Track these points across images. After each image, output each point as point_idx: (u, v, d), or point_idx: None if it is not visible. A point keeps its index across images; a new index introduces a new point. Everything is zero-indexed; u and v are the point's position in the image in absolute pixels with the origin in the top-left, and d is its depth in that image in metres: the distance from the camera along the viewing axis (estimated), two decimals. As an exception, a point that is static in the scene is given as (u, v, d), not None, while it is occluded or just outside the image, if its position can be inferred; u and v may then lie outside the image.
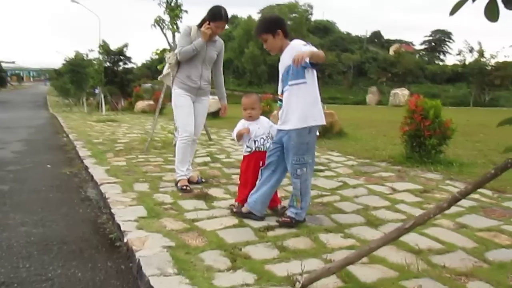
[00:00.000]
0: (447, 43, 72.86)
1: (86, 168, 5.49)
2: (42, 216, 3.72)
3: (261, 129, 3.54)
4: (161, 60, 7.45)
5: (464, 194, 1.88)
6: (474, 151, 6.82)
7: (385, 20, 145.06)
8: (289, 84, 3.17)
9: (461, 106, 32.64)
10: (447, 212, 2.68)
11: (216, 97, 4.87)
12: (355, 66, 56.15)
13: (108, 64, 26.53)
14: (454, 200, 1.90)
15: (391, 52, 65.04)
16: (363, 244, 2.83)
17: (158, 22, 7.26)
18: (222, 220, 3.30)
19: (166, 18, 7.33)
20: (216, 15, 4.13)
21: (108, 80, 23.88)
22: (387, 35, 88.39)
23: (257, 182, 3.38)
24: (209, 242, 2.82)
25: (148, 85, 41.99)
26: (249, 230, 3.09)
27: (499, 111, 26.62)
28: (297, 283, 2.18)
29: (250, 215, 3.31)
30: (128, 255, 2.80)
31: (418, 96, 5.68)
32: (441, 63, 63.44)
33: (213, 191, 4.17)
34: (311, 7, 49.51)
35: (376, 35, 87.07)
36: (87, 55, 22.66)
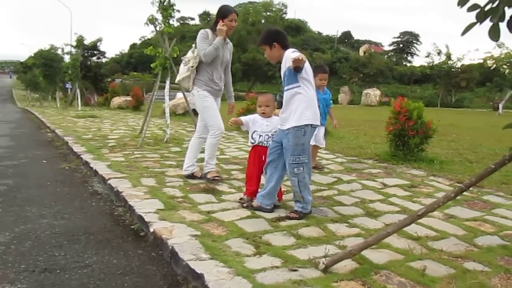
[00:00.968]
0: (415, 44, 75.04)
1: (86, 163, 5.63)
2: (58, 209, 3.88)
3: (269, 126, 3.81)
4: (151, 59, 7.63)
5: (468, 186, 2.23)
6: (450, 150, 7.32)
7: (355, 20, 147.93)
8: (284, 89, 3.50)
9: (428, 107, 33.82)
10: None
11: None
12: (326, 65, 57.09)
13: (81, 58, 26.08)
14: (460, 191, 2.25)
15: (361, 52, 66.43)
16: (367, 232, 3.17)
17: (152, 21, 7.41)
18: (235, 212, 3.57)
19: (159, 17, 7.49)
20: (225, 10, 4.46)
21: (82, 75, 23.56)
22: (357, 35, 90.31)
23: (263, 178, 3.69)
24: (230, 231, 3.08)
25: (118, 80, 41.47)
26: (263, 220, 3.37)
27: (464, 111, 27.88)
28: (320, 264, 2.47)
29: (260, 208, 3.59)
30: (156, 243, 3.03)
31: (402, 98, 6.09)
32: (408, 64, 65.24)
33: (219, 186, 4.42)
34: (285, 6, 49.85)
35: (346, 35, 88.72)
36: (62, 49, 22.26)
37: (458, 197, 4.14)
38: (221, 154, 6.49)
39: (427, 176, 5.13)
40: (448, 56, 38.41)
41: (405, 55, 75.70)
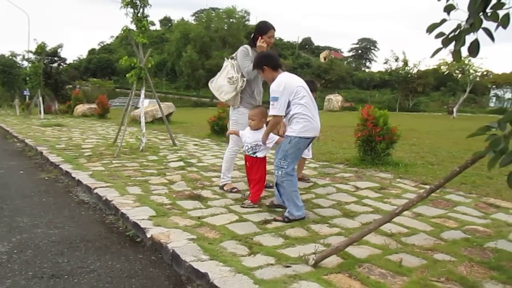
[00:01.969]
0: (373, 51, 77.68)
1: (67, 173, 5.69)
2: (49, 219, 3.99)
3: (251, 138, 4.15)
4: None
5: (438, 186, 2.59)
6: (412, 154, 7.83)
7: (315, 27, 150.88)
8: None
9: (388, 111, 35.12)
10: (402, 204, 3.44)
11: (167, 103, 5.31)
12: (288, 71, 58.07)
13: (43, 65, 25.47)
14: (431, 191, 2.60)
15: (322, 58, 68.02)
16: (347, 231, 3.49)
17: (126, 31, 7.53)
18: (224, 216, 3.81)
19: (133, 27, 7.62)
20: (265, 27, 4.59)
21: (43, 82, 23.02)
22: (317, 41, 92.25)
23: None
24: (223, 234, 3.33)
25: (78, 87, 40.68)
26: (251, 224, 3.63)
27: (422, 115, 29.16)
28: (311, 260, 2.76)
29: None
30: (154, 248, 3.23)
31: (369, 106, 6.52)
32: (367, 70, 67.37)
33: (203, 193, 4.64)
34: (247, 13, 50.47)
35: (307, 41, 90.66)
36: (23, 56, 21.70)
37: (424, 197, 4.60)
38: (198, 162, 6.69)
39: (394, 179, 5.55)
40: (405, 63, 40.08)
41: (364, 61, 78.19)
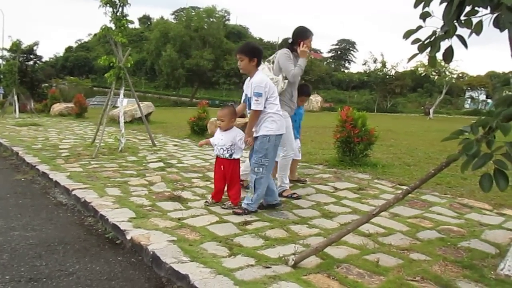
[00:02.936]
0: (352, 52, 78.50)
1: (44, 174, 5.60)
2: (26, 221, 3.93)
3: (223, 140, 4.15)
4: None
5: (413, 188, 2.67)
6: (390, 154, 7.98)
7: (295, 27, 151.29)
8: (251, 109, 3.97)
9: (366, 112, 35.64)
10: (380, 204, 3.52)
11: (147, 102, 5.26)
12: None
13: (18, 63, 24.95)
14: (407, 192, 2.68)
15: (302, 59, 68.23)
16: (326, 232, 3.55)
17: (105, 30, 7.45)
18: (204, 218, 3.82)
19: (112, 26, 7.54)
20: (306, 32, 4.60)
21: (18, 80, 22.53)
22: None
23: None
24: (203, 236, 3.34)
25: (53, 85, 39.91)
26: (231, 225, 3.65)
27: (399, 116, 29.67)
28: (290, 260, 2.80)
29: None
30: (134, 250, 3.22)
31: (348, 108, 6.61)
32: (346, 71, 68.06)
33: (183, 194, 4.64)
34: (228, 13, 50.43)
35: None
36: (-2, 54, 21.17)
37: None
38: (178, 162, 6.67)
39: (372, 180, 5.65)
40: (383, 64, 40.72)
41: (343, 62, 78.93)
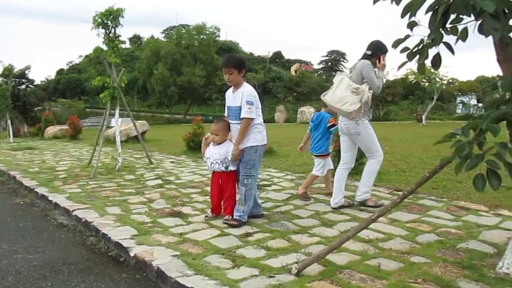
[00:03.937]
0: (342, 62, 79.33)
1: (43, 197, 5.61)
2: (28, 243, 3.94)
3: (217, 154, 4.19)
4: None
5: (410, 192, 2.73)
6: (385, 162, 7.98)
7: (285, 40, 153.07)
8: (239, 121, 4.05)
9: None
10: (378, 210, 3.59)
11: (141, 121, 5.33)
12: (259, 85, 58.78)
13: (11, 88, 24.95)
14: (404, 196, 2.74)
15: (292, 71, 69.03)
16: (327, 240, 3.60)
17: (98, 51, 7.54)
18: (206, 231, 3.86)
19: (105, 47, 7.64)
20: (384, 47, 4.67)
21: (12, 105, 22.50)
22: (287, 55, 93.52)
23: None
24: (206, 249, 3.38)
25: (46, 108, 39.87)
26: (232, 237, 3.69)
27: (392, 124, 29.84)
28: (293, 269, 2.85)
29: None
30: (138, 267, 3.24)
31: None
32: (338, 81, 68.47)
33: (183, 209, 4.67)
34: (218, 29, 50.84)
35: (277, 55, 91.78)
36: (-10, 80, 21.18)
37: (398, 203, 4.76)
38: (176, 179, 6.71)
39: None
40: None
41: (334, 73, 79.54)
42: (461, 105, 50.63)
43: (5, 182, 7.39)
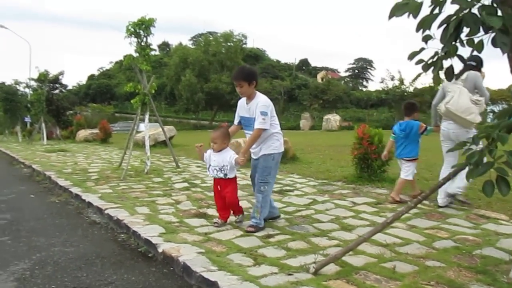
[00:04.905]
0: (369, 70, 78.67)
1: (77, 196, 5.94)
2: (64, 238, 4.23)
3: (216, 161, 4.20)
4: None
5: (424, 197, 2.86)
6: (408, 170, 8.07)
7: (312, 48, 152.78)
8: (256, 128, 4.05)
9: (386, 130, 35.52)
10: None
11: (169, 126, 5.54)
12: (285, 92, 58.93)
13: (46, 93, 25.99)
14: (418, 201, 2.87)
15: (319, 79, 68.90)
16: (345, 243, 3.73)
17: (130, 59, 7.89)
18: (229, 232, 4.05)
19: (136, 55, 7.99)
20: (482, 61, 4.93)
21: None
22: (314, 62, 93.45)
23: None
24: (229, 248, 3.57)
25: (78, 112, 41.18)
26: (255, 238, 3.87)
27: (419, 133, 29.40)
28: (311, 268, 3.00)
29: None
30: (166, 262, 3.46)
31: (364, 126, 6.82)
32: (364, 89, 68.07)
33: (208, 211, 4.89)
34: (245, 36, 51.32)
35: (304, 62, 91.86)
36: (27, 84, 22.20)
37: (418, 211, 4.85)
38: (202, 182, 6.94)
39: (389, 194, 5.79)
40: (401, 81, 40.65)
41: (361, 80, 79.06)
42: (491, 114, 49.33)
43: (41, 182, 7.81)
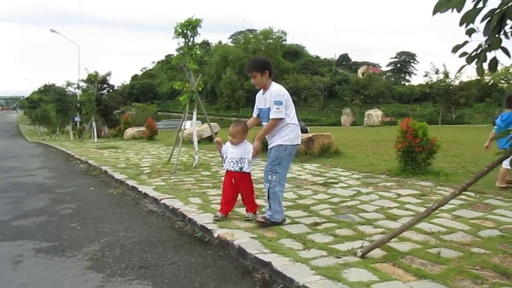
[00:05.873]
0: (412, 64, 76.57)
1: (134, 188, 6.37)
2: (126, 225, 4.61)
3: (234, 153, 4.26)
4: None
5: (468, 184, 2.97)
6: (453, 164, 8.04)
7: (352, 42, 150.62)
8: (271, 118, 4.04)
9: (430, 124, 34.65)
10: (443, 208, 3.84)
11: (213, 123, 5.69)
12: (326, 88, 58.54)
13: (96, 93, 27.23)
14: (462, 189, 2.99)
15: (359, 74, 67.85)
16: (391, 231, 3.86)
17: (178, 58, 8.28)
18: (278, 220, 4.28)
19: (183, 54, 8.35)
20: None
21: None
22: (354, 57, 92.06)
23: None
24: (279, 234, 3.81)
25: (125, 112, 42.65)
26: (303, 225, 4.09)
27: (465, 128, 28.59)
28: (358, 252, 3.19)
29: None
30: (221, 245, 3.75)
31: (408, 119, 6.87)
32: (407, 84, 66.41)
33: (256, 201, 5.12)
34: (284, 33, 51.59)
35: (344, 57, 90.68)
36: (78, 85, 23.42)
37: (463, 202, 4.91)
38: (248, 175, 7.21)
39: (435, 186, 5.85)
40: (446, 75, 39.49)
41: (403, 75, 77.11)
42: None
43: (97, 176, 8.35)
